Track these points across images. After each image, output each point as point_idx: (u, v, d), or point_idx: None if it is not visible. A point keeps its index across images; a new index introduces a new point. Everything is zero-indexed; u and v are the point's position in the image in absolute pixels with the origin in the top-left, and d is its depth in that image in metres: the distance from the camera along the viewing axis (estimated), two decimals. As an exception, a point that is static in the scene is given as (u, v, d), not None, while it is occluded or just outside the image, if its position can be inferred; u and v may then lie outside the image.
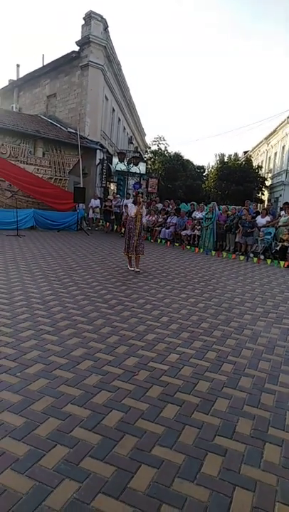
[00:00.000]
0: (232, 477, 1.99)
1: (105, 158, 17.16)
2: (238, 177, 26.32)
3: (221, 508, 1.77)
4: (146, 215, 14.18)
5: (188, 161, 34.38)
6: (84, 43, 16.24)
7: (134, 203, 7.44)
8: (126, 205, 12.18)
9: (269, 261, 10.58)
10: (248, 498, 1.85)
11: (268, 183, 29.39)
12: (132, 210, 7.36)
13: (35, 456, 2.01)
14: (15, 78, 22.04)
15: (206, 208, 12.96)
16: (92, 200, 15.39)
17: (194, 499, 1.81)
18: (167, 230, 13.28)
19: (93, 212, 15.47)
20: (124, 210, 13.37)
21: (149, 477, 1.93)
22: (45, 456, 2.02)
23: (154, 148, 35.71)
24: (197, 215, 12.94)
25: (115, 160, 16.67)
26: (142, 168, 17.09)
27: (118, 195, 15.99)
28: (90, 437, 2.21)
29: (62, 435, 2.20)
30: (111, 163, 17.08)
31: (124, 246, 7.49)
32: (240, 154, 36.27)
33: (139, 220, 7.35)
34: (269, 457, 2.17)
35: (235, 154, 32.43)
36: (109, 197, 16.45)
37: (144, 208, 7.65)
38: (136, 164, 16.76)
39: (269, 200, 28.81)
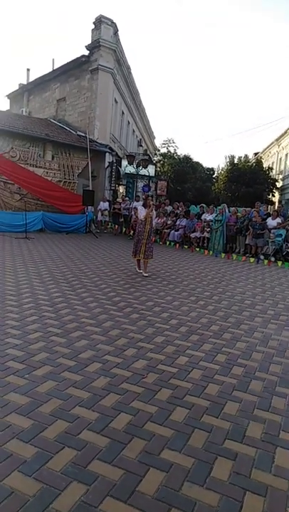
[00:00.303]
0: (242, 482, 1.95)
1: (114, 161, 17.21)
2: (248, 179, 26.17)
3: (231, 514, 1.73)
4: (155, 218, 14.22)
5: (197, 163, 34.36)
6: (94, 46, 16.34)
7: (144, 205, 7.40)
8: (135, 208, 12.18)
9: (280, 263, 10.48)
10: (258, 503, 1.81)
11: (278, 184, 29.17)
12: (142, 213, 7.31)
13: (43, 458, 1.99)
14: (25, 82, 22.28)
15: (215, 209, 12.90)
16: (101, 202, 15.43)
17: (204, 504, 1.78)
18: (176, 233, 13.24)
19: (102, 214, 15.51)
20: (133, 212, 13.39)
21: (157, 481, 1.90)
22: (53, 458, 2.00)
23: (163, 150, 35.79)
24: (207, 217, 12.88)
25: (124, 163, 16.73)
26: (151, 170, 17.12)
27: (127, 198, 16.03)
28: (98, 440, 2.19)
29: (70, 437, 2.19)
30: (120, 166, 17.13)
31: (133, 249, 7.46)
32: (251, 156, 36.07)
33: (148, 223, 7.30)
34: (280, 462, 2.13)
35: (246, 156, 32.32)
36: (118, 199, 16.49)
37: (153, 211, 7.59)
38: (145, 167, 16.79)
39: (280, 201, 28.56)
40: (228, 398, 2.81)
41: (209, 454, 2.15)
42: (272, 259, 10.86)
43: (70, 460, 2.00)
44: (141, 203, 9.71)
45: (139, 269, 7.53)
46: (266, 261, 10.64)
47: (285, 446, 2.27)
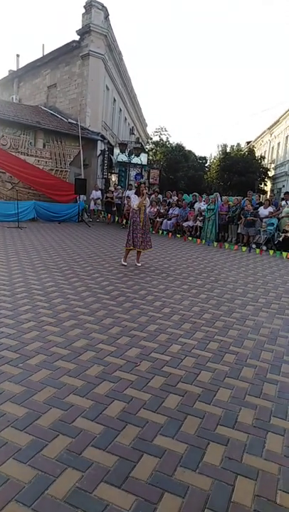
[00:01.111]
0: (234, 466, 1.99)
1: (106, 149, 17.04)
2: (240, 168, 26.09)
3: (223, 496, 1.77)
4: (148, 206, 14.16)
5: (190, 151, 34.09)
6: (84, 32, 16.02)
7: (137, 193, 7.11)
8: (128, 197, 12.08)
9: (271, 252, 10.55)
10: (250, 486, 1.85)
11: (270, 173, 29.19)
12: (135, 201, 7.02)
13: (38, 446, 2.02)
14: (15, 68, 21.83)
15: (209, 198, 12.88)
16: (93, 191, 15.33)
17: (196, 488, 1.82)
18: (169, 222, 13.23)
19: (94, 203, 15.42)
20: (126, 201, 13.31)
21: (151, 466, 1.94)
22: (48, 445, 2.02)
23: (155, 139, 35.52)
24: (202, 206, 12.84)
25: (116, 151, 16.57)
26: (143, 159, 17.00)
27: (119, 187, 15.94)
28: (93, 427, 2.21)
29: (64, 425, 2.21)
30: (112, 154, 16.98)
31: (128, 239, 7.06)
32: (243, 144, 35.92)
33: (142, 212, 7.03)
34: (271, 446, 2.18)
35: (238, 145, 32.12)
36: (110, 188, 16.38)
37: (147, 199, 7.29)
38: (137, 155, 16.67)
39: (272, 190, 28.63)
40: (221, 385, 2.85)
41: (202, 439, 2.19)
42: (264, 248, 10.92)
43: (64, 447, 2.02)
44: (134, 191, 9.54)
45: (125, 262, 7.16)
46: (258, 250, 10.70)
47: (276, 432, 2.32)
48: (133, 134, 27.58)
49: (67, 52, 17.22)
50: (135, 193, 7.20)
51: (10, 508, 1.62)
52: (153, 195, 15.42)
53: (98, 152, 16.46)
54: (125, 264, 7.13)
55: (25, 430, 2.13)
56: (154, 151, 32.67)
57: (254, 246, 11.09)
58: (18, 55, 22.02)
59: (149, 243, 7.18)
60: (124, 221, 13.60)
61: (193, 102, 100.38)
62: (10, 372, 2.77)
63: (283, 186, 26.25)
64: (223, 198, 13.01)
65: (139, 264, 7.22)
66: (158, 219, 13.61)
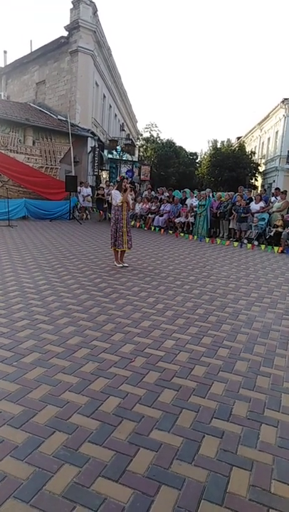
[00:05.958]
0: (229, 458, 2.02)
1: (97, 145, 16.96)
2: (231, 163, 26.21)
3: (218, 487, 1.80)
4: (140, 204, 14.14)
5: (180, 147, 34.23)
6: (73, 27, 15.88)
7: (119, 189, 6.68)
8: (108, 194, 11.99)
9: (263, 247, 10.63)
10: (245, 477, 1.89)
11: (261, 168, 29.33)
12: (118, 197, 6.57)
13: (35, 443, 2.02)
14: (2, 65, 21.56)
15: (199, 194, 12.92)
16: (84, 188, 15.25)
17: (193, 480, 1.84)
18: (161, 218, 13.24)
19: (83, 200, 15.33)
20: (110, 198, 13.28)
21: (147, 460, 1.96)
22: (44, 442, 2.03)
23: (146, 135, 35.49)
24: (194, 202, 12.87)
25: (107, 149, 16.52)
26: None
27: (111, 183, 15.90)
28: (89, 423, 2.23)
29: (60, 422, 2.22)
30: (103, 151, 16.92)
31: (112, 240, 6.75)
32: (233, 140, 36.06)
33: (125, 209, 6.66)
34: (265, 438, 2.21)
35: (228, 140, 32.30)
36: (101, 185, 16.32)
37: (130, 195, 6.83)
38: (129, 152, 16.64)
39: (262, 186, 28.78)
40: (215, 379, 2.88)
41: (197, 432, 2.22)
42: (256, 243, 10.99)
43: (61, 443, 2.03)
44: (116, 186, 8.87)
45: (119, 263, 6.82)
46: (249, 245, 10.77)
47: (270, 423, 2.36)
48: (123, 130, 27.50)
49: (55, 49, 17.06)
50: (117, 189, 6.80)
51: (8, 505, 1.63)
52: (146, 192, 15.44)
53: (89, 149, 16.38)
54: (120, 264, 6.80)
55: (21, 428, 2.14)
56: (144, 147, 32.63)
57: (246, 241, 11.16)
58: (5, 52, 21.72)
59: (130, 242, 6.81)
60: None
61: (184, 98, 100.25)
62: (5, 370, 2.77)
63: (274, 181, 26.37)
64: (216, 194, 13.05)
65: (126, 265, 6.85)
66: (150, 215, 13.61)
